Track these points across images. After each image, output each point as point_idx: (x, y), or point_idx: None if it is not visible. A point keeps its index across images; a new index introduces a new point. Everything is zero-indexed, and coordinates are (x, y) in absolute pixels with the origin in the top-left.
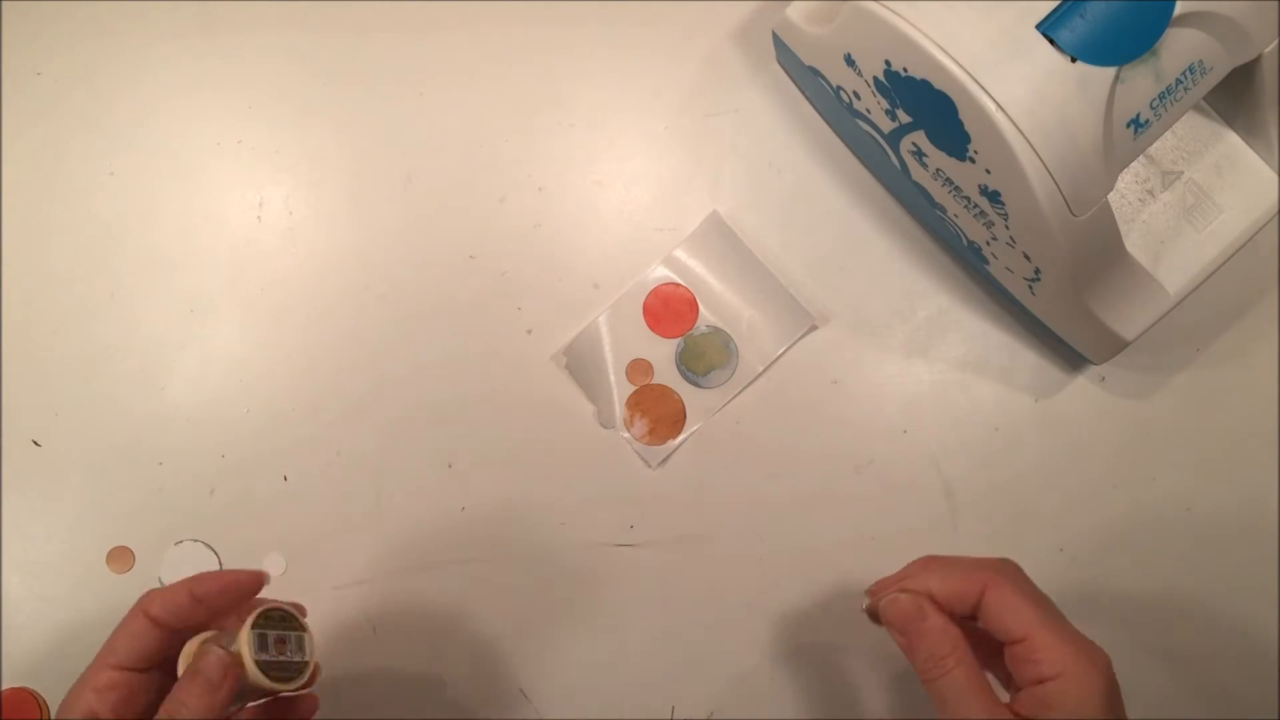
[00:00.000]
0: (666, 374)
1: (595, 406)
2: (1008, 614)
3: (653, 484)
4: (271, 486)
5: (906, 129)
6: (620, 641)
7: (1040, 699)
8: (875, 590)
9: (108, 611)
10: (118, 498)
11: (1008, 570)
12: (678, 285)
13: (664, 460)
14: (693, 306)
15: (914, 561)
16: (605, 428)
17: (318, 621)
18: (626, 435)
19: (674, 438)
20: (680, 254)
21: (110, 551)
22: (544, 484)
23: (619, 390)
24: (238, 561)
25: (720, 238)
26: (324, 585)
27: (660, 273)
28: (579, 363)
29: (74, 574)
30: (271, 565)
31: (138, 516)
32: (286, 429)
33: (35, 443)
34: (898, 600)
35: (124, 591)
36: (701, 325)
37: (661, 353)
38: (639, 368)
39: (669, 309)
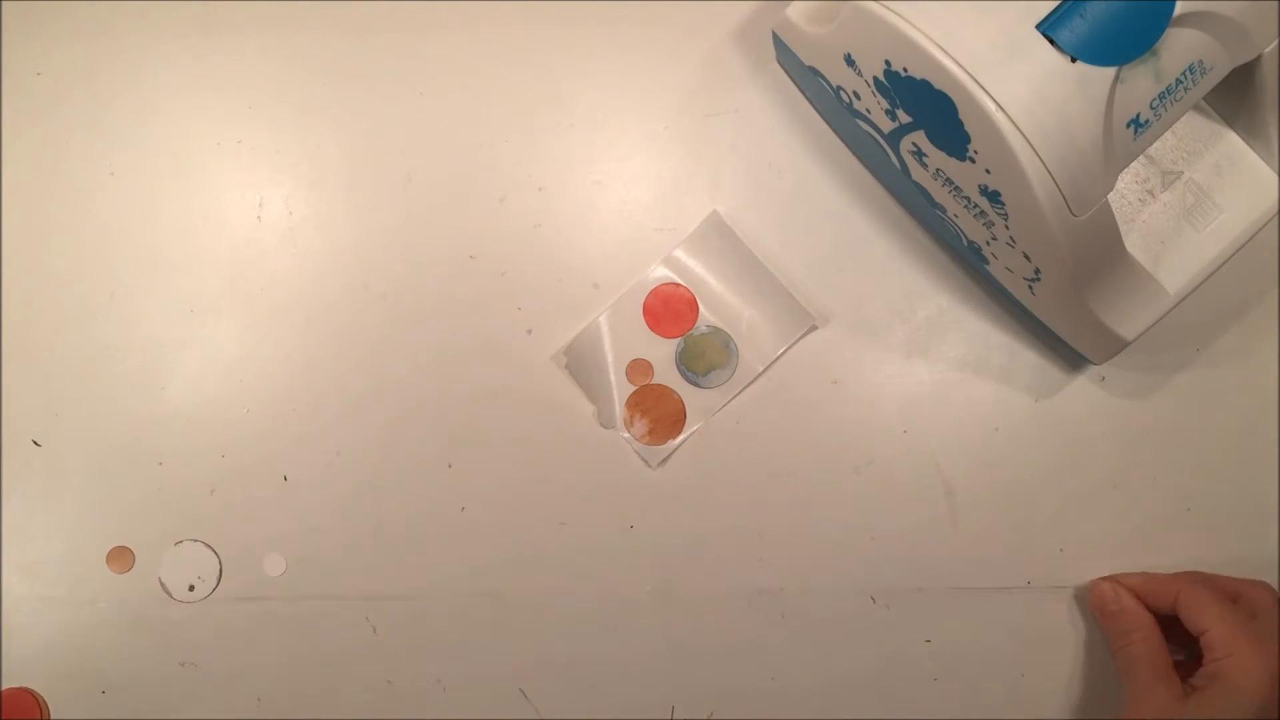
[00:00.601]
0: (666, 374)
1: (595, 406)
2: (1194, 609)
3: (653, 484)
4: (271, 486)
5: (906, 129)
6: (620, 641)
7: (1209, 673)
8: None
9: (108, 611)
10: (118, 498)
11: (1208, 578)
12: (678, 285)
13: (664, 460)
14: (693, 306)
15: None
16: (605, 428)
17: (319, 621)
18: (626, 435)
19: (674, 438)
20: (680, 254)
21: (110, 551)
22: (544, 484)
23: (619, 390)
24: (238, 561)
25: (720, 238)
26: (324, 585)
27: (660, 273)
28: (579, 363)
29: (74, 574)
30: (271, 565)
31: (138, 516)
32: (286, 429)
33: (35, 443)
34: (1098, 585)
35: (124, 591)
36: (701, 325)
37: (661, 353)
38: (639, 368)
39: (669, 309)
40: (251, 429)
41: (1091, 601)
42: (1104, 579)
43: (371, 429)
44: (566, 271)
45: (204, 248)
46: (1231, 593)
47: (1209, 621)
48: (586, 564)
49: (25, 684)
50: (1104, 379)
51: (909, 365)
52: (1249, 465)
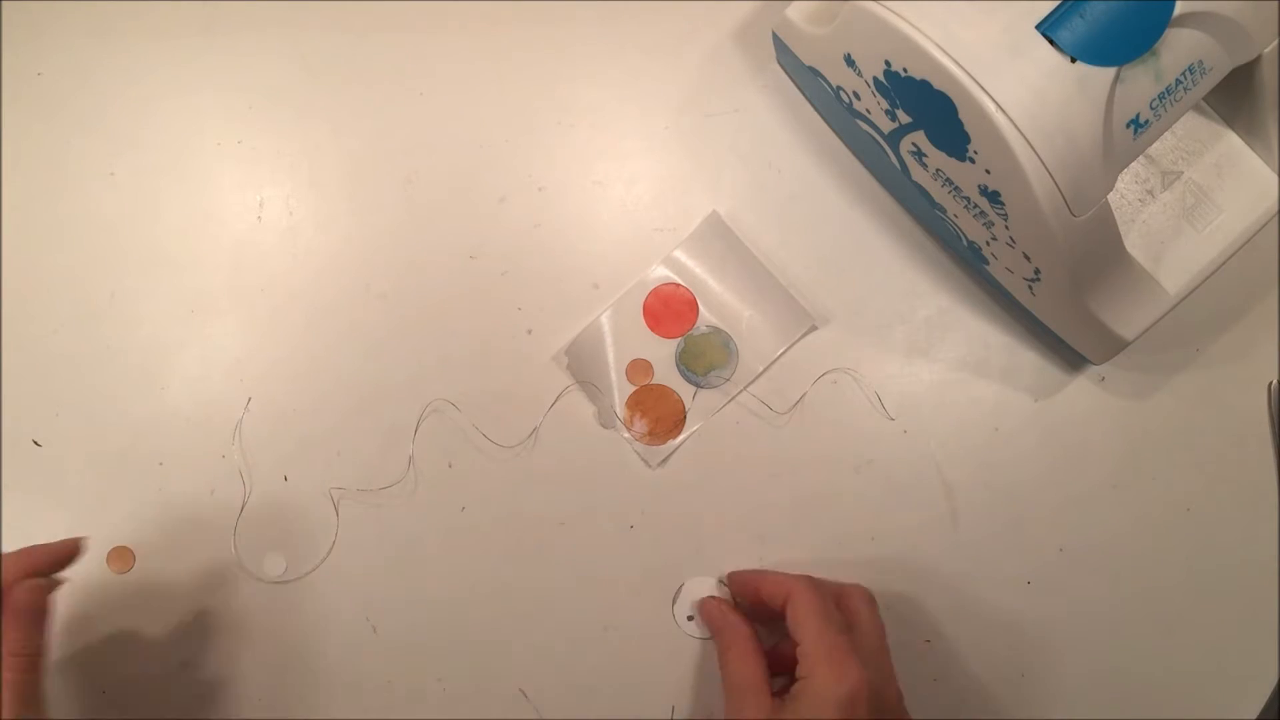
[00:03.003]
0: (666, 374)
1: (595, 406)
2: (796, 619)
3: (653, 484)
4: (271, 486)
5: (906, 129)
6: (620, 641)
7: (793, 692)
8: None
9: (108, 611)
10: (118, 498)
11: (817, 583)
12: (678, 285)
13: (664, 460)
14: (693, 306)
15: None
16: (605, 428)
17: (319, 621)
18: (626, 435)
19: (674, 438)
20: (680, 254)
21: (110, 551)
22: (544, 484)
23: (619, 390)
24: (237, 561)
25: (720, 238)
26: (324, 585)
27: (660, 273)
28: (579, 363)
29: (74, 574)
30: (271, 565)
31: (138, 516)
32: (286, 429)
33: (35, 443)
34: (705, 602)
35: (124, 591)
36: (701, 325)
37: (661, 353)
38: (639, 368)
39: (669, 309)
40: (252, 429)
41: (701, 615)
42: (712, 598)
43: (371, 429)
44: (566, 271)
45: (204, 248)
46: (837, 597)
47: (803, 634)
48: (586, 564)
49: None
50: (1104, 379)
51: (909, 365)
52: (1249, 465)
